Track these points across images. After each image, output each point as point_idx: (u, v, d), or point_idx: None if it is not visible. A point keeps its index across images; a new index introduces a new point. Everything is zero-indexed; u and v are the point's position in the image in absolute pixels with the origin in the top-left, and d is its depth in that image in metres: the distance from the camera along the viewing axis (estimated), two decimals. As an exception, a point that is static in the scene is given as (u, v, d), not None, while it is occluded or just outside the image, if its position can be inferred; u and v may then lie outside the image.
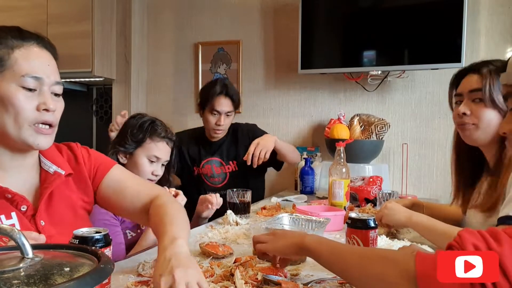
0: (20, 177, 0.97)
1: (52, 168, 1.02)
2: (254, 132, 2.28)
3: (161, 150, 1.58)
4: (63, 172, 1.03)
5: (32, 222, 0.94)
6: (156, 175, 1.59)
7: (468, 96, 1.25)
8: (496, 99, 1.19)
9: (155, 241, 1.29)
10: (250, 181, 2.18)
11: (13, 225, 0.90)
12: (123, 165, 1.57)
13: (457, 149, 1.39)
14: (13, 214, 0.92)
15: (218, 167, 2.25)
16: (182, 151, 2.26)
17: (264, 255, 0.97)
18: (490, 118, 1.21)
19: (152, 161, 1.57)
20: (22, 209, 0.94)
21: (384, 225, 1.37)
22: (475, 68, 1.27)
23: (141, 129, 1.56)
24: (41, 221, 0.95)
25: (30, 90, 0.91)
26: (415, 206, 1.47)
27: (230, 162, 2.25)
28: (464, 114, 1.25)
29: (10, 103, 0.89)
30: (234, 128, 2.31)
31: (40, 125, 0.93)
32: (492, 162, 1.26)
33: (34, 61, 0.93)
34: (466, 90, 1.26)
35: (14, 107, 0.90)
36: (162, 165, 1.61)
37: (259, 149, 2.00)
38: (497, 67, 1.22)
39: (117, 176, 1.13)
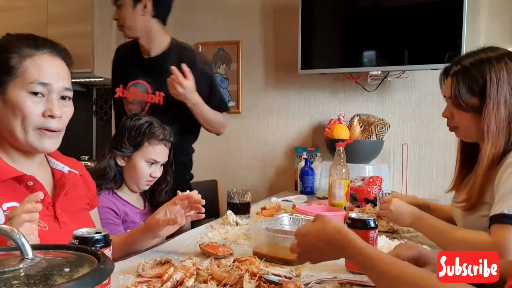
0: (32, 171, 1.03)
1: (65, 168, 1.12)
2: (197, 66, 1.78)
3: (159, 153, 1.57)
4: (77, 172, 1.15)
5: (50, 209, 1.03)
6: (154, 177, 1.59)
7: (449, 101, 1.27)
8: (462, 104, 1.19)
9: (161, 240, 1.30)
10: (175, 128, 1.70)
11: None
12: (121, 167, 1.57)
13: (462, 142, 1.38)
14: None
15: (142, 93, 1.86)
16: (114, 65, 1.99)
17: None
18: (466, 121, 1.22)
19: (151, 163, 1.56)
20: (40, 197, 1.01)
21: (385, 220, 1.38)
22: (447, 71, 1.28)
23: (139, 132, 1.54)
24: (59, 210, 1.04)
25: (36, 94, 0.96)
26: (421, 207, 1.46)
27: (157, 92, 1.82)
28: (447, 117, 1.27)
29: (19, 109, 0.95)
30: (180, 49, 1.86)
31: (45, 130, 0.98)
32: None
33: (44, 68, 0.98)
34: (446, 95, 1.28)
35: (22, 112, 0.95)
36: (161, 165, 1.61)
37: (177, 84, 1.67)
38: (464, 66, 1.21)
39: (93, 217, 1.23)
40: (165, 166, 1.64)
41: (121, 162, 1.56)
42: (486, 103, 1.15)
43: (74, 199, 1.11)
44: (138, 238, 1.18)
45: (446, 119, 1.30)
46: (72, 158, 1.21)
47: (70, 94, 1.03)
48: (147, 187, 1.60)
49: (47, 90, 0.98)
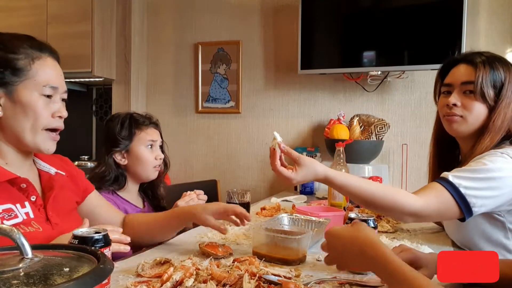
0: (23, 173, 1.04)
1: (52, 169, 1.14)
2: None
3: (153, 134, 1.61)
4: (63, 174, 1.16)
5: (42, 211, 1.04)
6: (160, 159, 1.61)
7: (459, 88, 1.23)
8: (486, 93, 1.19)
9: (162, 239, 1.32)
10: None
11: (27, 213, 1.00)
12: (124, 166, 1.58)
13: (437, 139, 1.38)
14: (26, 203, 1.01)
15: None
16: None
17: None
18: (479, 112, 1.21)
19: (150, 146, 1.59)
20: (32, 199, 1.02)
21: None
22: (467, 59, 1.25)
23: (126, 125, 1.57)
24: (50, 211, 1.05)
25: (48, 97, 1.01)
26: None
27: None
28: (455, 105, 1.22)
29: (31, 109, 0.99)
30: None
31: (51, 132, 1.03)
32: (466, 154, 1.26)
33: (51, 72, 1.03)
34: (458, 81, 1.24)
35: (35, 113, 0.99)
36: (160, 146, 1.64)
37: None
38: (488, 57, 1.22)
39: (96, 198, 1.28)
40: (161, 148, 1.67)
41: (122, 161, 1.57)
42: (502, 99, 1.18)
43: (64, 200, 1.12)
44: (174, 223, 1.27)
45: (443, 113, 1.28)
46: (58, 155, 1.21)
47: (66, 96, 1.08)
48: (156, 173, 1.62)
49: (55, 92, 1.03)
